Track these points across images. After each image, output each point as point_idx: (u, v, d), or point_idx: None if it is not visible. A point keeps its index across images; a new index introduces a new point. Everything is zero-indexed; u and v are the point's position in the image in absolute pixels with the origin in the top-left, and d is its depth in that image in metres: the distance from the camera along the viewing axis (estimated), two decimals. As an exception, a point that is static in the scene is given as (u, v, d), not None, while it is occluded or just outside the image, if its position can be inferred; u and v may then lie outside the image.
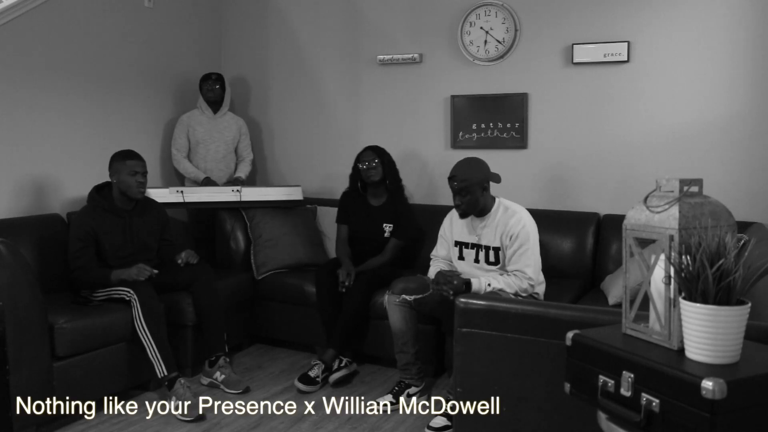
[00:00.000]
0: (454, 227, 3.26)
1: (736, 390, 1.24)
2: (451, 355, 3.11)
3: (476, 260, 3.15)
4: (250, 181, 4.79)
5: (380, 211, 3.77)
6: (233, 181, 4.35)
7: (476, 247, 3.15)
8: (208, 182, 4.24)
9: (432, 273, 3.23)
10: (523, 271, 3.00)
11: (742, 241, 1.37)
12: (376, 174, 3.68)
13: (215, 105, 4.39)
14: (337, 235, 3.88)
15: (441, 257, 3.31)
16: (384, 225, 3.75)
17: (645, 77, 3.67)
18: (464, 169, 3.06)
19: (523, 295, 3.00)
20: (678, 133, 3.62)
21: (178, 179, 4.46)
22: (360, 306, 3.49)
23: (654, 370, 1.35)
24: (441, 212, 3.74)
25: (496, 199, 3.15)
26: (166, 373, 3.11)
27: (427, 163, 4.30)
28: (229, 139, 4.43)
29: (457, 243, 3.24)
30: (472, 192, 3.03)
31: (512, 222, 3.04)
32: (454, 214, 3.28)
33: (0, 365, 2.09)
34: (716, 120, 3.53)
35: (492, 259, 3.11)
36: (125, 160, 3.33)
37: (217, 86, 4.35)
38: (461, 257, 3.21)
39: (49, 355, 2.83)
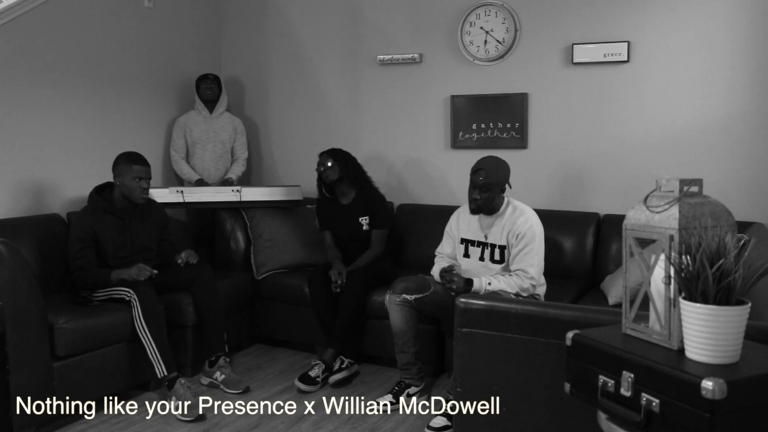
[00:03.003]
0: (461, 224, 3.27)
1: (736, 390, 1.24)
2: (451, 355, 3.11)
3: (481, 258, 3.16)
4: (249, 181, 4.80)
5: (352, 207, 3.81)
6: (224, 182, 4.35)
7: (482, 245, 3.16)
8: (200, 183, 4.26)
9: (435, 270, 3.24)
10: (526, 271, 3.00)
11: (742, 241, 1.37)
12: (332, 173, 3.73)
13: (211, 104, 4.40)
14: (324, 243, 3.91)
15: (446, 254, 3.31)
16: (360, 219, 3.78)
17: (645, 77, 3.67)
18: (492, 167, 3.08)
19: (524, 295, 3.01)
20: (678, 133, 3.62)
21: (177, 180, 4.46)
22: (357, 305, 3.49)
23: (654, 370, 1.35)
24: (441, 212, 3.75)
25: (506, 199, 3.17)
26: (166, 373, 3.11)
27: (427, 163, 4.29)
28: (225, 139, 4.43)
29: (463, 240, 3.24)
30: (493, 190, 3.06)
31: (520, 221, 3.06)
32: (461, 211, 3.30)
33: (0, 365, 2.09)
34: (716, 120, 3.54)
35: (497, 257, 3.12)
36: (131, 164, 3.32)
37: (215, 85, 4.37)
38: (466, 254, 3.22)
39: (49, 355, 2.83)
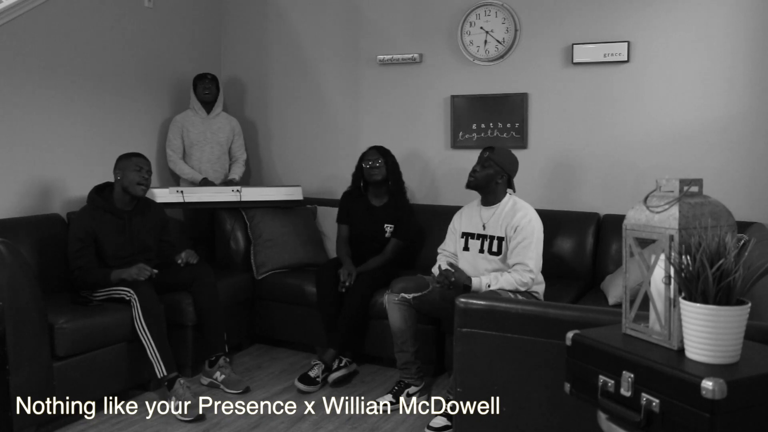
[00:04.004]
0: (463, 220, 3.29)
1: (736, 390, 1.24)
2: (451, 355, 3.11)
3: (480, 250, 3.17)
4: (248, 181, 4.79)
5: (382, 211, 3.77)
6: (227, 183, 4.34)
7: (481, 237, 3.18)
8: (205, 183, 4.24)
9: (436, 268, 3.24)
10: (525, 263, 3.02)
11: (742, 241, 1.37)
12: (378, 173, 3.69)
13: (209, 105, 4.38)
14: (337, 235, 3.88)
15: (448, 251, 3.32)
16: (385, 225, 3.75)
17: (645, 77, 3.67)
18: (501, 149, 3.19)
19: (522, 289, 3.02)
20: (678, 133, 3.62)
21: (174, 180, 4.44)
22: (361, 306, 3.49)
23: (654, 370, 1.35)
24: (441, 213, 3.75)
25: (508, 194, 3.20)
26: (165, 373, 3.11)
27: (427, 163, 4.30)
28: (223, 140, 4.41)
29: (463, 234, 3.25)
30: (493, 169, 3.11)
31: (519, 215, 3.09)
32: (464, 208, 3.34)
33: (0, 365, 2.09)
34: (716, 120, 3.54)
35: (495, 249, 3.13)
36: (131, 157, 3.39)
37: (213, 86, 4.34)
38: (466, 248, 3.23)
39: (49, 355, 2.83)
